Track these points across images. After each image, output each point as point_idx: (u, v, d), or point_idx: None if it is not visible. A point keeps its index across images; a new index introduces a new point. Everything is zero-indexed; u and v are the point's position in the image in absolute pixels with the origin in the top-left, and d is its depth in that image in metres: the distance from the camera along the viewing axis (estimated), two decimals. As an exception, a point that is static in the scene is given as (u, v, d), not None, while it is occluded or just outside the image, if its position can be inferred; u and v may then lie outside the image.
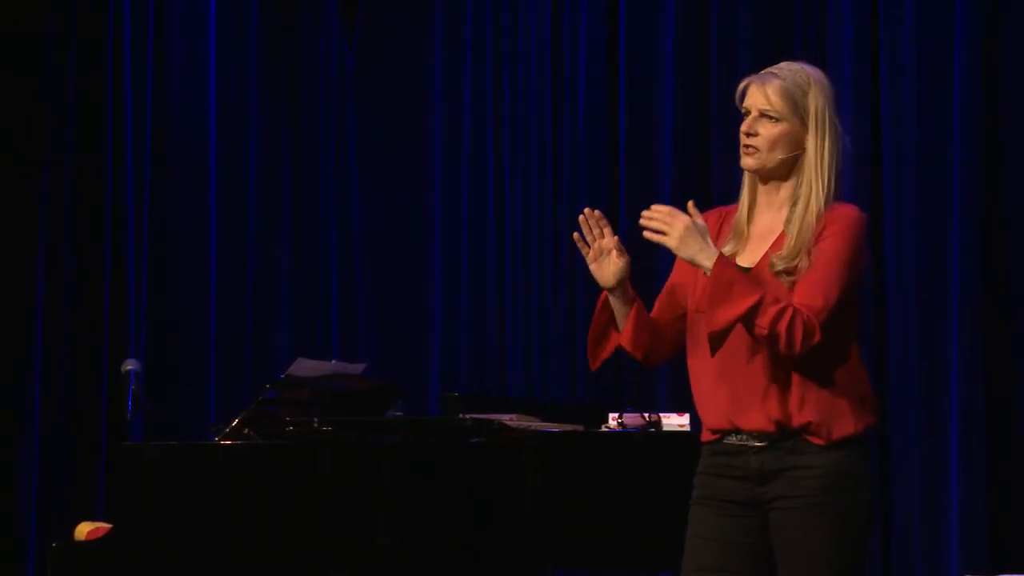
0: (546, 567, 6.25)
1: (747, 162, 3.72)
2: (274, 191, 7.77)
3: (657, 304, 3.84)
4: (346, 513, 4.84)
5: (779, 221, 3.70)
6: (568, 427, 5.14)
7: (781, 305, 3.54)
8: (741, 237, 3.73)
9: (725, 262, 3.57)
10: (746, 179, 3.76)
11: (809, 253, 3.62)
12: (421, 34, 7.69)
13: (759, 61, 6.27)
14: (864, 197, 6.54)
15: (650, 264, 6.83)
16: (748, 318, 3.54)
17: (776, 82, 3.70)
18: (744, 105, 3.72)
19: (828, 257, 3.62)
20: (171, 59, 7.61)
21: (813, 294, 3.59)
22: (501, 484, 4.83)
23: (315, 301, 7.72)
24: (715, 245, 3.68)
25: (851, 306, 3.68)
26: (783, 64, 3.76)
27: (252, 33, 7.76)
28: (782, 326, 3.53)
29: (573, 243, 7.72)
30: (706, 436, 3.75)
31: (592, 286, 6.97)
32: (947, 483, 6.32)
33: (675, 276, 3.84)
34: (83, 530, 5.21)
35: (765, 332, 3.54)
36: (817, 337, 3.55)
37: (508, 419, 4.99)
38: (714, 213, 3.83)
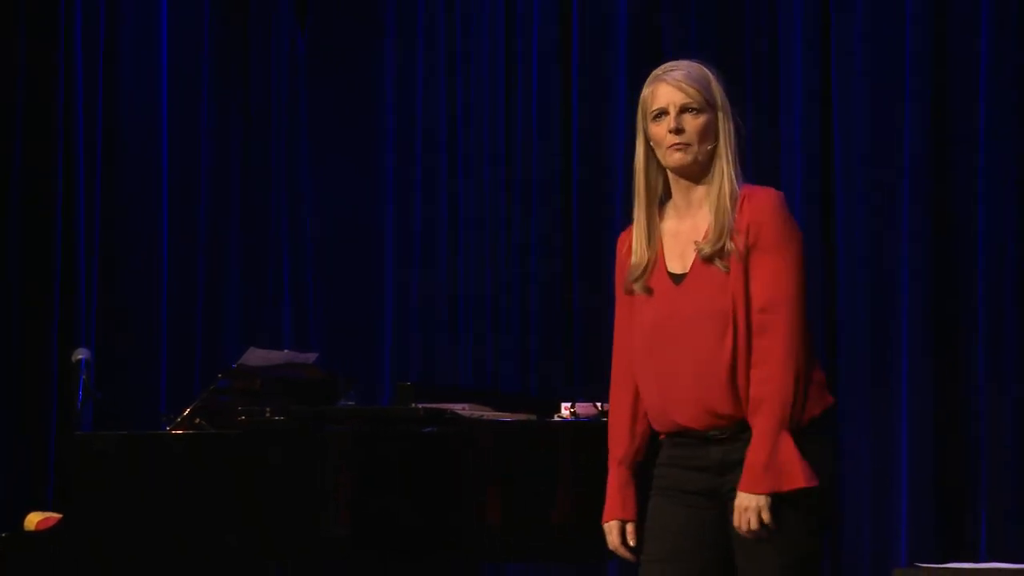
0: (499, 557, 6.26)
1: (679, 158, 3.71)
2: (225, 180, 7.75)
3: (620, 358, 3.83)
4: (298, 503, 4.83)
5: (705, 218, 3.71)
6: (521, 416, 5.14)
7: (773, 402, 3.58)
8: (647, 244, 3.74)
9: (752, 469, 3.58)
10: (646, 190, 3.75)
11: (733, 236, 3.64)
12: (374, 22, 7.68)
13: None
14: (815, 192, 6.57)
15: (601, 276, 6.90)
16: (784, 425, 3.58)
17: (684, 74, 3.72)
18: (657, 106, 3.72)
19: (775, 275, 3.64)
20: (122, 45, 7.58)
21: (780, 330, 3.61)
22: (453, 474, 4.83)
23: (267, 291, 7.70)
24: (627, 260, 3.70)
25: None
26: (669, 64, 3.77)
27: (204, 20, 7.73)
28: (789, 396, 3.59)
29: (525, 234, 7.76)
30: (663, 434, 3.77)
31: (544, 280, 7.06)
32: (897, 471, 6.35)
33: (619, 324, 3.83)
34: (33, 520, 5.18)
35: (791, 407, 3.60)
36: (799, 363, 3.60)
37: (461, 408, 4.99)
38: (623, 235, 3.84)
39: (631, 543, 3.76)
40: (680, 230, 3.74)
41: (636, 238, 3.76)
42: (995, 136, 6.27)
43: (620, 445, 3.79)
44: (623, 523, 3.77)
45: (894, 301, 6.42)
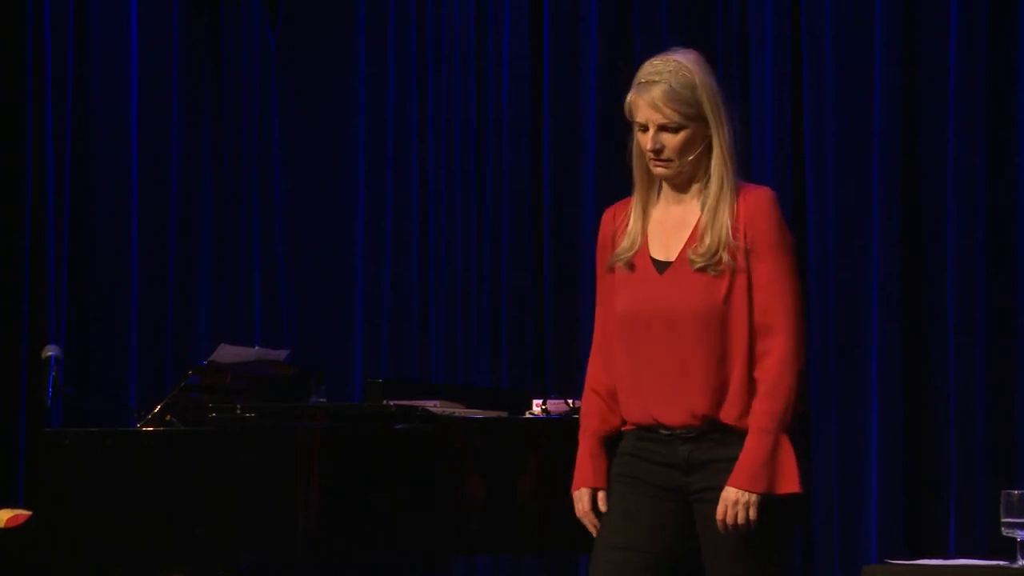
0: (471, 552, 6.25)
1: (661, 173, 3.69)
2: (196, 176, 7.73)
3: (600, 337, 3.80)
4: (269, 499, 4.82)
5: (692, 211, 3.70)
6: (492, 413, 5.14)
7: (775, 401, 3.58)
8: (640, 229, 3.73)
9: (749, 466, 3.58)
10: (639, 176, 3.74)
11: (729, 247, 3.62)
12: (344, 15, 7.67)
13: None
14: (786, 182, 6.58)
15: (573, 271, 6.91)
16: (784, 427, 3.58)
17: (660, 90, 3.64)
18: (638, 120, 3.68)
19: (776, 277, 3.63)
20: (91, 38, 7.54)
21: (781, 331, 3.61)
22: (425, 470, 4.83)
23: (237, 287, 7.68)
24: (613, 243, 3.69)
25: None
26: (657, 64, 3.67)
27: (174, 14, 7.70)
28: (791, 397, 3.59)
29: (496, 229, 7.76)
30: (630, 424, 3.75)
31: (514, 275, 7.05)
32: (867, 468, 6.37)
33: (601, 302, 3.81)
34: (3, 517, 5.16)
35: (794, 406, 3.60)
36: (800, 363, 3.61)
37: (432, 405, 4.99)
38: (609, 212, 3.83)
39: (602, 509, 3.74)
40: (667, 218, 3.72)
41: (634, 218, 3.74)
42: (963, 125, 6.27)
43: (593, 419, 3.77)
44: (594, 491, 3.75)
45: (864, 296, 6.43)
